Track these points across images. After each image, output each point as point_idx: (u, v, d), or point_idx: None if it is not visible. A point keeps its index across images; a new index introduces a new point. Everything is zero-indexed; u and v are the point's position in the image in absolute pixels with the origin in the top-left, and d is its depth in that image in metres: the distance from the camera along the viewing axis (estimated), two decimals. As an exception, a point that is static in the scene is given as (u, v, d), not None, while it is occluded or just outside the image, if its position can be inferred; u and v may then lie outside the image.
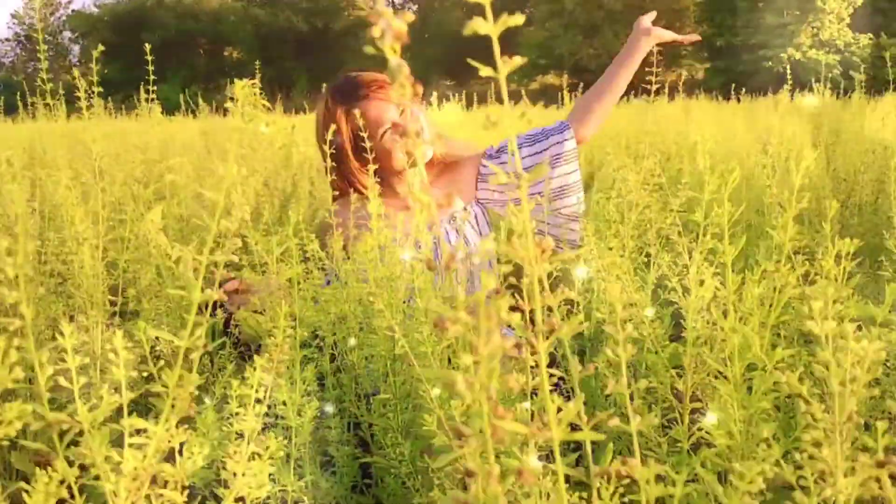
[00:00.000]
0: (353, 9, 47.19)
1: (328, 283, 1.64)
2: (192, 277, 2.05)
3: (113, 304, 1.75)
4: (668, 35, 2.18)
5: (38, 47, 1.72)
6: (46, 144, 4.02)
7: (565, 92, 5.28)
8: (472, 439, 0.37)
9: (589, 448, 0.52)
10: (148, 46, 1.80)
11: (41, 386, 0.58)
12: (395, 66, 0.40)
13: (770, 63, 34.57)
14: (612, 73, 2.17)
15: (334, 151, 1.60)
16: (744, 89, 6.38)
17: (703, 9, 38.81)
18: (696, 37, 2.32)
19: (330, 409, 1.46)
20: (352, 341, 1.51)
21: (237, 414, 0.74)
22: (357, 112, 1.77)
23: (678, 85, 4.31)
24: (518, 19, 0.40)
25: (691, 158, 3.71)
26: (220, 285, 1.94)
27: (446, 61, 40.45)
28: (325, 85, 2.13)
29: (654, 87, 2.12)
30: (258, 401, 1.19)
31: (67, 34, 48.52)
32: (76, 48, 45.20)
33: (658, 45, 2.16)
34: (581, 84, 5.21)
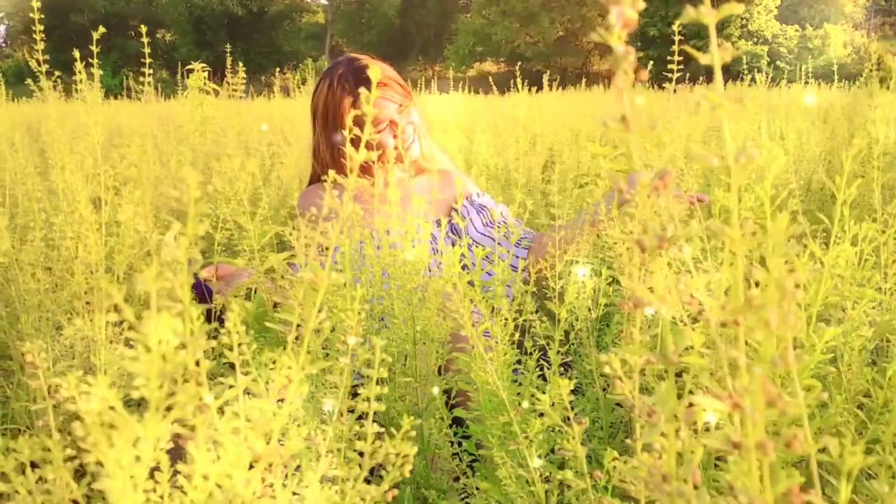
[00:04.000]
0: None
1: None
2: (186, 264, 2.02)
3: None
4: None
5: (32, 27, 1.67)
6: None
7: (518, 80, 5.29)
8: (747, 412, 0.39)
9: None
10: (144, 28, 1.75)
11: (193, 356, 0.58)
12: (621, 54, 0.42)
13: (700, 52, 35.27)
14: (583, 225, 1.80)
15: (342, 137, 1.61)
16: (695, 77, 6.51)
17: (637, -2, 39.33)
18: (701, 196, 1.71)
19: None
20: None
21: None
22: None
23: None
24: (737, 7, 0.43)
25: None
26: (195, 274, 1.93)
27: (382, 46, 40.26)
28: (324, 64, 2.14)
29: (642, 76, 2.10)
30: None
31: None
32: (2, 28, 43.44)
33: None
34: (517, 69, 5.21)
